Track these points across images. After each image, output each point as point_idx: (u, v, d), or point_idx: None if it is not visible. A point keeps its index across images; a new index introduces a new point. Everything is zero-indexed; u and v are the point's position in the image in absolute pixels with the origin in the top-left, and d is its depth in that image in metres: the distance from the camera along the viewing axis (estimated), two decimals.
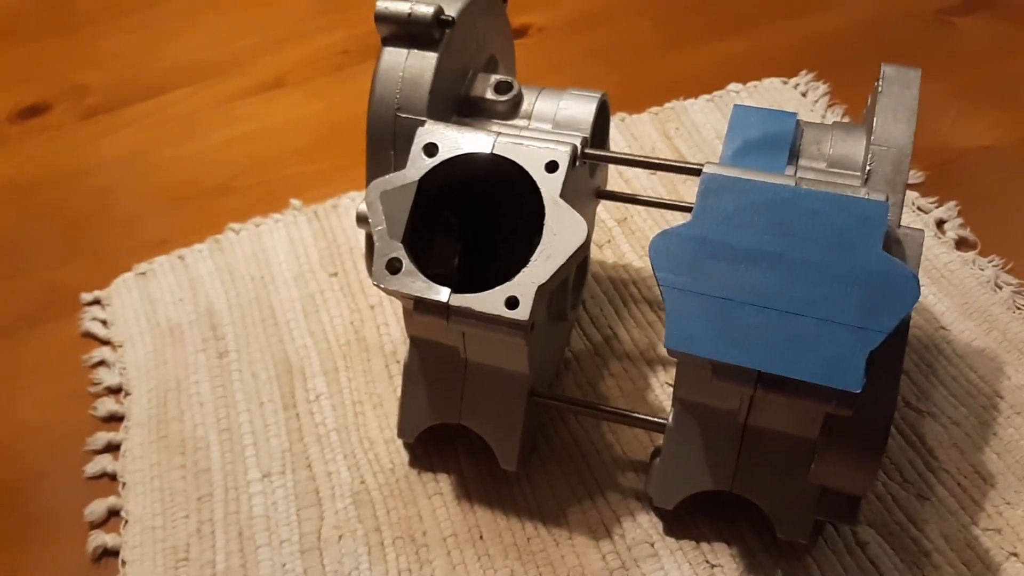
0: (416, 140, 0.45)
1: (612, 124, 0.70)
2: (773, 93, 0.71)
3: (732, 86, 0.72)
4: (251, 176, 0.70)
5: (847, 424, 0.41)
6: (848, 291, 0.39)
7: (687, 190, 0.64)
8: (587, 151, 0.47)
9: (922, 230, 0.43)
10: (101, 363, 0.59)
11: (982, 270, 0.59)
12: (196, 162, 0.72)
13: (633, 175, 0.66)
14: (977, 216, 0.62)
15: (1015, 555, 0.46)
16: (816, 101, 0.70)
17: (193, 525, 0.50)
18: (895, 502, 0.48)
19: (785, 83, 0.72)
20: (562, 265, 0.42)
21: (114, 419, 0.56)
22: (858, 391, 0.38)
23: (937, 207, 0.63)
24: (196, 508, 0.51)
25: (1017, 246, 0.60)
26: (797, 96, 0.71)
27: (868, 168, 0.43)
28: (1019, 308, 0.57)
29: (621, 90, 0.72)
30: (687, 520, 0.48)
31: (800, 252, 0.40)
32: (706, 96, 0.71)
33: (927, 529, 0.47)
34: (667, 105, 0.71)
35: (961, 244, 0.61)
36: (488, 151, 0.44)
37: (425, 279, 0.43)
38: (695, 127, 0.69)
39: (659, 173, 0.66)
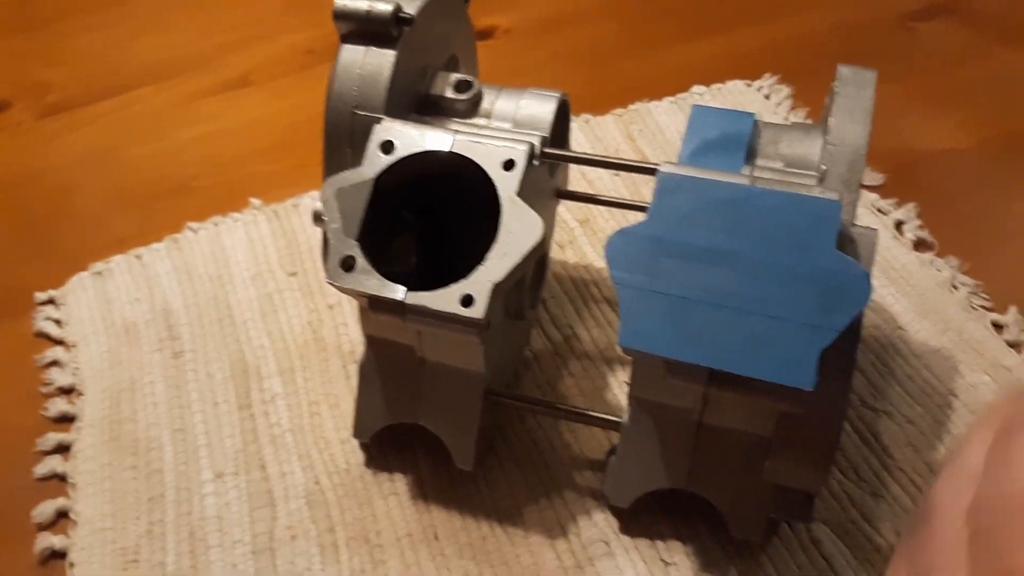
0: (372, 137, 0.45)
1: (576, 126, 0.70)
2: (736, 95, 0.72)
3: (696, 88, 0.72)
4: (213, 176, 0.70)
5: (800, 422, 0.41)
6: (801, 289, 0.39)
7: (650, 191, 0.64)
8: (546, 150, 0.46)
9: (876, 229, 0.44)
10: (54, 363, 0.58)
11: (939, 271, 0.59)
12: (158, 161, 0.71)
13: (596, 176, 0.66)
14: (936, 218, 0.63)
15: None
16: (779, 104, 0.71)
17: (144, 526, 0.49)
18: (850, 500, 0.49)
19: (749, 85, 0.73)
20: (518, 263, 0.42)
21: (66, 420, 0.55)
22: (810, 388, 0.38)
23: (896, 208, 0.63)
24: (147, 509, 0.50)
25: (975, 247, 0.61)
26: (760, 99, 0.71)
27: (823, 168, 0.44)
28: (975, 308, 0.57)
29: (586, 92, 0.72)
30: (643, 518, 0.48)
31: (755, 251, 0.40)
32: (670, 98, 0.71)
33: (881, 527, 0.47)
34: (631, 107, 0.71)
35: (920, 245, 0.61)
36: (446, 149, 0.44)
37: (380, 277, 0.43)
38: (659, 129, 0.69)
39: (622, 174, 0.66)
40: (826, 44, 0.77)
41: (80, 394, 0.56)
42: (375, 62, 0.45)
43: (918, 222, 0.62)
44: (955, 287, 0.59)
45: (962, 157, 0.68)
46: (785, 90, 0.72)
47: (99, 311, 0.60)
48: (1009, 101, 0.71)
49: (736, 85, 0.73)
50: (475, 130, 0.47)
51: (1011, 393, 0.37)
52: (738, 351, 0.39)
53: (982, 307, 0.58)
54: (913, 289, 0.59)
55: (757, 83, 0.73)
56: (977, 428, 0.34)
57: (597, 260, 0.61)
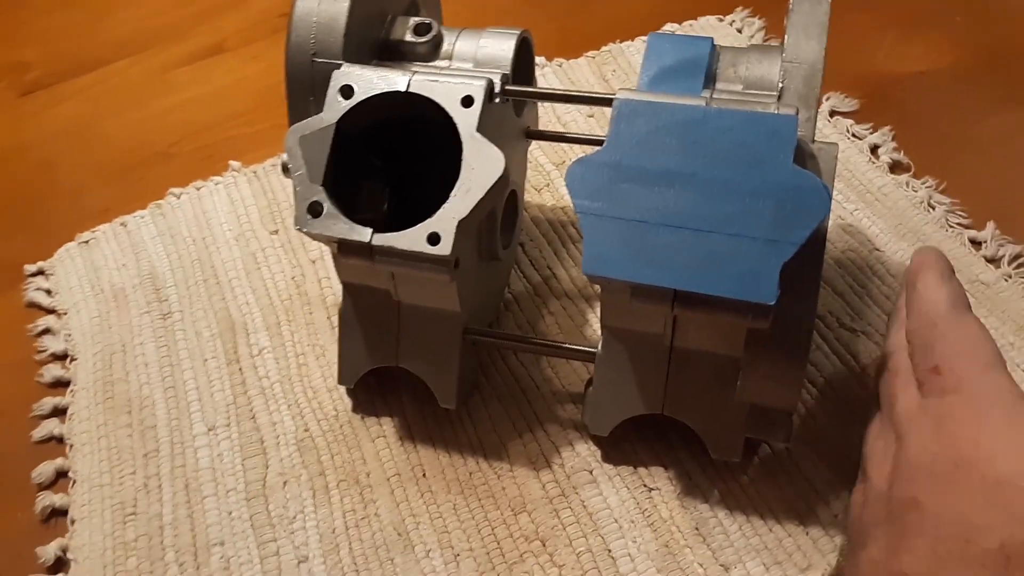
0: (332, 83, 0.45)
1: (550, 70, 0.70)
2: (709, 31, 0.71)
3: (668, 26, 0.72)
4: (192, 142, 0.70)
5: (769, 339, 0.42)
6: (759, 205, 0.40)
7: None
8: (506, 87, 0.47)
9: (836, 144, 0.44)
10: (46, 331, 0.59)
11: (915, 191, 0.60)
12: (137, 131, 0.72)
13: (571, 118, 0.66)
14: (911, 140, 0.63)
15: None
16: (751, 36, 0.71)
17: (140, 480, 0.51)
18: (828, 420, 0.49)
19: (721, 20, 0.72)
20: (481, 199, 0.43)
21: (60, 384, 0.56)
22: (772, 303, 0.38)
23: (871, 133, 0.63)
24: (143, 464, 0.51)
25: (950, 167, 0.61)
26: (733, 32, 0.71)
27: (780, 85, 0.44)
28: (952, 226, 0.58)
29: (559, 36, 0.72)
30: (624, 447, 0.49)
31: (712, 170, 0.41)
32: (642, 37, 0.71)
33: (860, 445, 0.48)
34: (604, 48, 0.71)
35: (895, 168, 0.62)
36: (403, 89, 0.45)
37: (347, 220, 0.43)
38: (632, 68, 0.69)
39: (596, 115, 0.66)
40: None
41: (73, 359, 0.57)
42: (330, 9, 0.46)
43: (893, 144, 0.63)
44: (931, 206, 0.59)
45: (936, 78, 0.67)
46: (757, 23, 0.72)
47: (88, 279, 0.61)
48: (980, 20, 0.71)
49: (708, 21, 0.73)
50: (435, 71, 0.47)
51: (918, 248, 0.47)
52: (699, 270, 0.39)
53: (959, 224, 0.58)
54: (889, 211, 0.59)
55: (729, 17, 0.73)
56: (902, 287, 0.45)
57: None
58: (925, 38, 0.70)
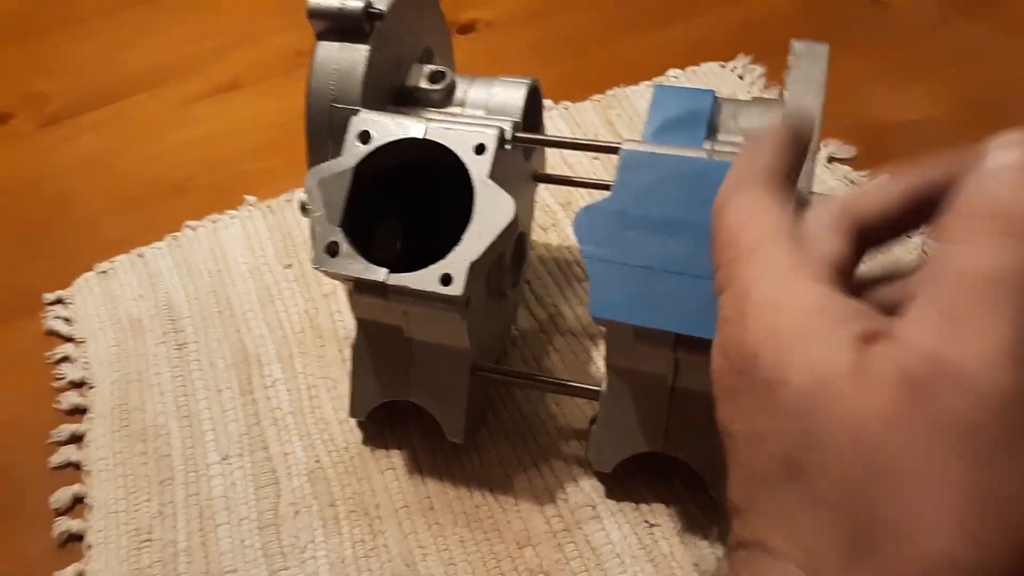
0: (350, 129, 0.47)
1: (556, 113, 0.72)
2: (711, 77, 0.74)
3: (671, 71, 0.74)
4: (208, 176, 0.72)
5: None
6: None
7: None
8: (517, 134, 0.49)
9: (834, 196, 0.46)
10: (64, 359, 0.61)
11: (909, 237, 0.61)
12: (154, 164, 0.74)
13: (576, 160, 0.68)
14: None
15: None
16: (752, 83, 0.73)
17: (155, 508, 0.52)
18: None
19: (723, 67, 0.75)
20: (493, 242, 0.45)
21: (78, 412, 0.58)
22: None
23: (869, 180, 0.65)
24: (158, 492, 0.53)
25: None
26: (734, 79, 0.73)
27: None
28: None
29: (565, 80, 0.75)
30: (627, 483, 0.50)
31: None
32: (646, 82, 0.73)
33: None
34: (608, 92, 0.73)
35: None
36: (420, 136, 0.47)
37: (364, 260, 0.45)
38: (636, 112, 0.71)
39: (601, 158, 0.68)
40: (796, 21, 0.79)
41: (91, 387, 0.59)
42: (349, 57, 0.48)
43: None
44: (925, 253, 0.61)
45: (931, 126, 0.69)
46: (758, 69, 0.74)
47: (105, 308, 0.63)
48: (974, 70, 0.73)
49: (711, 67, 0.75)
50: (449, 118, 0.49)
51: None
52: (700, 315, 0.41)
53: None
54: (886, 258, 0.60)
55: (731, 64, 0.75)
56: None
57: None
58: (920, 87, 0.72)
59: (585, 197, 0.66)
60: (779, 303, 0.29)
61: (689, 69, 0.74)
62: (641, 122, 0.71)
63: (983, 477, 0.24)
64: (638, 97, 0.73)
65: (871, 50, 0.75)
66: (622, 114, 0.72)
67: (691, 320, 0.41)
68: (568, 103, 0.73)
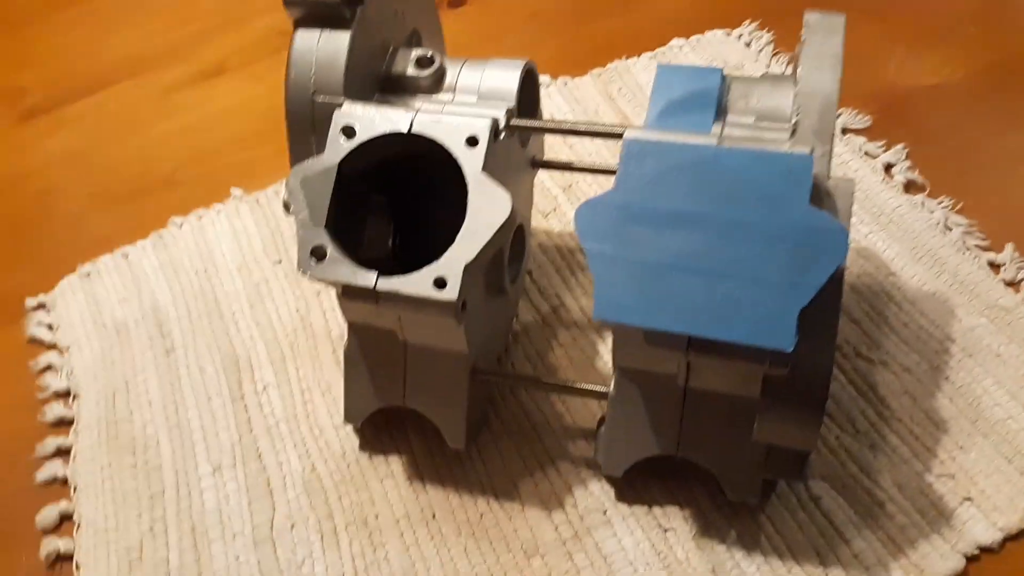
0: (333, 123, 0.44)
1: (555, 89, 0.69)
2: (716, 45, 0.70)
3: (675, 41, 0.71)
4: (193, 167, 0.69)
5: (787, 382, 0.41)
6: (775, 248, 0.39)
7: None
8: (512, 122, 0.46)
9: (852, 180, 0.43)
10: (48, 368, 0.58)
11: (931, 212, 0.58)
12: (137, 157, 0.71)
13: (577, 140, 0.65)
14: (926, 157, 0.61)
15: (969, 499, 0.46)
16: (760, 51, 0.69)
17: (146, 524, 0.50)
18: (848, 454, 0.48)
19: (728, 34, 0.71)
20: (488, 242, 0.42)
21: (63, 423, 0.55)
22: (790, 350, 0.37)
23: (885, 151, 0.62)
24: (148, 506, 0.51)
25: (967, 185, 0.59)
26: (741, 47, 0.70)
27: (794, 120, 0.43)
28: (969, 249, 0.56)
29: (562, 54, 0.71)
30: (638, 486, 0.48)
31: (725, 212, 0.40)
32: (648, 53, 0.70)
33: (881, 479, 0.47)
34: (609, 66, 0.70)
35: (910, 187, 0.60)
36: (406, 129, 0.44)
37: (352, 264, 0.43)
38: (638, 87, 0.68)
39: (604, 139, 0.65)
40: None
41: (76, 397, 0.56)
42: (330, 46, 0.45)
43: (907, 163, 0.61)
44: (948, 227, 0.58)
45: (949, 93, 0.66)
46: (766, 36, 0.70)
47: (89, 313, 0.60)
48: (993, 32, 0.69)
49: (716, 35, 0.71)
50: (439, 106, 0.46)
51: None
52: (714, 315, 0.38)
53: (977, 247, 0.56)
54: (904, 233, 0.58)
55: (737, 31, 0.71)
56: None
57: None
58: (937, 51, 0.68)
59: (587, 179, 0.63)
60: None
61: (694, 38, 0.71)
62: (644, 96, 0.68)
63: None
64: (640, 70, 0.69)
65: (886, 14, 0.71)
66: (623, 88, 0.68)
67: (705, 320, 0.38)
68: (567, 78, 0.69)
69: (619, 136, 0.42)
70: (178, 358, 0.57)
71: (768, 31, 0.71)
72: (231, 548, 0.48)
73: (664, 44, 0.71)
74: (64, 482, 0.53)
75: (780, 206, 0.39)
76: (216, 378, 0.56)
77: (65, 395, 0.57)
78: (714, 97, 0.44)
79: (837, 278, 0.40)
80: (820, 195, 0.41)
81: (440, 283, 0.41)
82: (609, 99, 0.68)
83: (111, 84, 0.77)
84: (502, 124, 0.44)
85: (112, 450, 0.53)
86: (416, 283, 0.42)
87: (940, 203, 0.59)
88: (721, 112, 0.44)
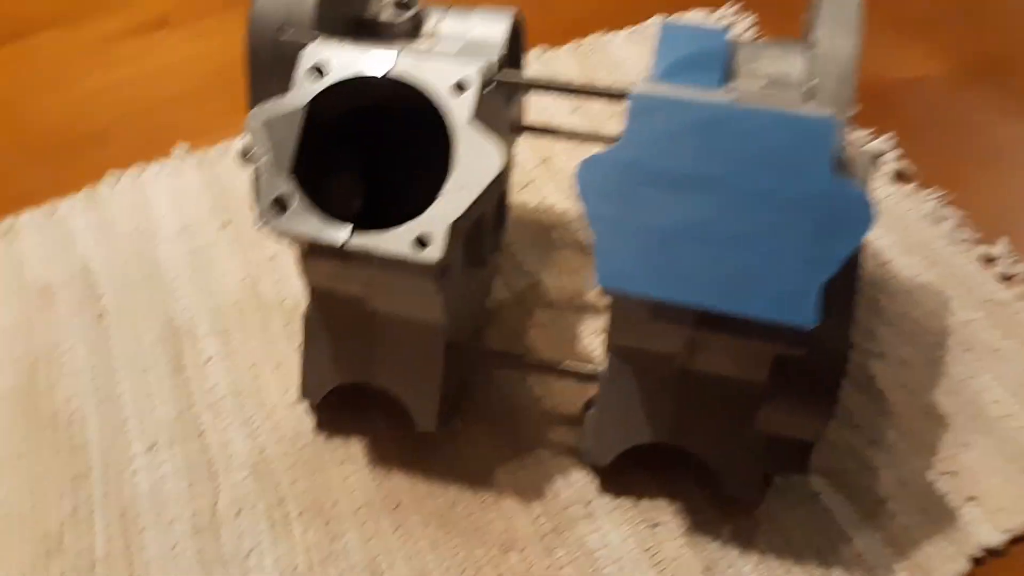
0: (303, 59, 0.39)
1: (532, 57, 0.65)
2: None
3: (655, 18, 0.68)
4: (131, 123, 0.64)
5: (798, 365, 0.37)
6: (796, 217, 0.35)
7: (614, 128, 0.60)
8: (501, 74, 0.41)
9: (868, 152, 0.40)
10: None
11: (922, 203, 0.56)
12: (69, 110, 0.65)
13: (553, 113, 0.61)
14: (914, 147, 0.59)
15: (973, 499, 0.43)
16: (742, 34, 0.67)
17: (67, 508, 0.44)
18: (846, 448, 0.45)
19: (710, 14, 0.68)
20: (478, 197, 0.38)
21: None
22: (812, 326, 0.34)
23: (873, 139, 0.60)
24: (71, 489, 0.45)
25: (956, 175, 0.58)
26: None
27: (812, 83, 0.39)
28: (963, 240, 0.54)
29: (540, 20, 0.66)
30: (625, 477, 0.44)
31: (741, 176, 0.36)
32: (629, 28, 0.67)
33: (882, 475, 0.44)
34: (588, 39, 0.66)
35: (899, 177, 0.58)
36: (386, 71, 0.39)
37: (320, 216, 0.38)
38: (616, 63, 0.65)
39: (581, 110, 0.61)
40: None
41: None
42: None
43: (897, 152, 0.59)
44: (939, 219, 0.55)
45: (935, 84, 0.64)
46: (748, 19, 0.68)
47: (10, 272, 0.55)
48: (977, 26, 0.68)
49: (698, 15, 0.69)
50: (421, 53, 0.42)
51: None
52: (728, 288, 0.35)
53: (967, 240, 0.54)
54: (896, 223, 0.55)
55: (719, 12, 0.69)
56: None
57: (559, 202, 0.57)
58: (922, 42, 0.67)
59: (565, 153, 0.59)
60: None
61: (675, 16, 0.68)
62: (622, 71, 0.64)
63: None
64: (619, 44, 0.66)
65: (873, 4, 0.69)
66: (602, 62, 0.65)
67: (719, 292, 0.35)
68: (545, 46, 0.65)
69: (621, 97, 0.39)
70: (110, 325, 0.51)
71: (751, 13, 0.68)
72: (166, 536, 0.43)
73: (645, 20, 0.68)
74: None
75: (800, 172, 0.36)
76: (153, 348, 0.50)
77: None
78: (722, 57, 0.41)
79: (856, 254, 0.37)
80: (840, 163, 0.38)
81: (422, 242, 0.37)
82: (586, 72, 0.64)
83: (39, 31, 0.71)
84: (495, 70, 0.40)
85: (30, 425, 0.48)
86: (394, 240, 0.37)
87: (931, 194, 0.57)
88: (728, 74, 0.41)
